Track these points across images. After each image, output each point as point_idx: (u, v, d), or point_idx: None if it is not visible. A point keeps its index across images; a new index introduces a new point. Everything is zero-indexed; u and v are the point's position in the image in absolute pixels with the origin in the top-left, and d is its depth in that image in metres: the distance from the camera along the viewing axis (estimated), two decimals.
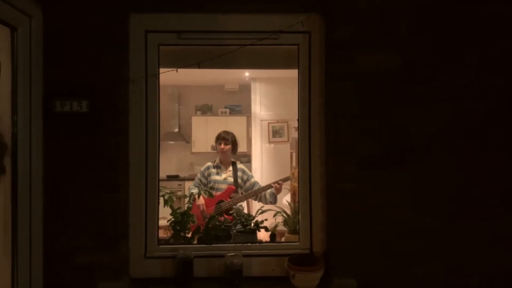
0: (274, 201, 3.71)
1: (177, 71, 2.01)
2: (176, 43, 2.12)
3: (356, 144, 2.04)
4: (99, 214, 1.98)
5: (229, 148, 3.95)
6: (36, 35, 1.92)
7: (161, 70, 2.12)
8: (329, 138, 2.05)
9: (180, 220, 2.26)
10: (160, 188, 2.21)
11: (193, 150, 7.95)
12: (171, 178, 7.56)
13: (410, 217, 2.04)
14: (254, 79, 6.92)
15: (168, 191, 2.40)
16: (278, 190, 3.69)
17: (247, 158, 7.40)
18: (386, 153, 2.05)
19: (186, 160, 8.10)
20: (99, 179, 1.98)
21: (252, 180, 3.94)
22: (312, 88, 2.13)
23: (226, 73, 6.98)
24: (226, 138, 3.95)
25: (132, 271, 2.06)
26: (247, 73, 6.86)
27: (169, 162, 7.84)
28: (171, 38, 2.10)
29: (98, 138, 1.99)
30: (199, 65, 1.91)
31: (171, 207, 2.32)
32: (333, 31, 2.04)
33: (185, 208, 2.36)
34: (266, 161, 6.92)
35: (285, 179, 3.69)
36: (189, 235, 2.28)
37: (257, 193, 3.76)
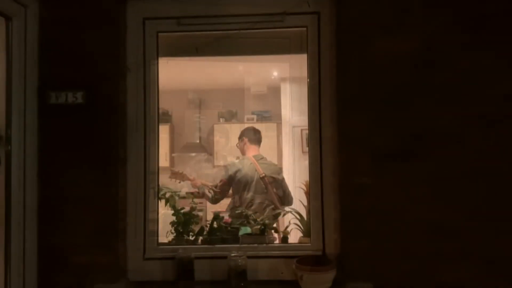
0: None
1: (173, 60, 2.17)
2: (176, 30, 2.27)
3: (372, 135, 2.09)
4: (96, 211, 2.12)
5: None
6: (32, 25, 2.13)
7: (161, 60, 2.28)
8: (342, 129, 2.12)
9: (183, 221, 2.38)
10: (160, 187, 2.35)
11: (216, 163, 8.04)
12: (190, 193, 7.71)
13: (434, 215, 2.06)
14: (284, 79, 6.93)
15: (173, 191, 2.51)
16: None
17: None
18: (406, 144, 2.09)
19: (208, 174, 8.20)
20: (95, 173, 2.13)
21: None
22: (322, 75, 2.22)
23: (251, 75, 7.06)
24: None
25: (131, 274, 2.19)
26: (275, 73, 6.89)
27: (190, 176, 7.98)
28: (170, 25, 2.26)
29: (94, 131, 2.14)
30: (196, 49, 2.06)
31: (173, 207, 2.44)
32: (344, 11, 2.12)
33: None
34: (299, 175, 6.90)
35: None
36: (192, 238, 2.37)
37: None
